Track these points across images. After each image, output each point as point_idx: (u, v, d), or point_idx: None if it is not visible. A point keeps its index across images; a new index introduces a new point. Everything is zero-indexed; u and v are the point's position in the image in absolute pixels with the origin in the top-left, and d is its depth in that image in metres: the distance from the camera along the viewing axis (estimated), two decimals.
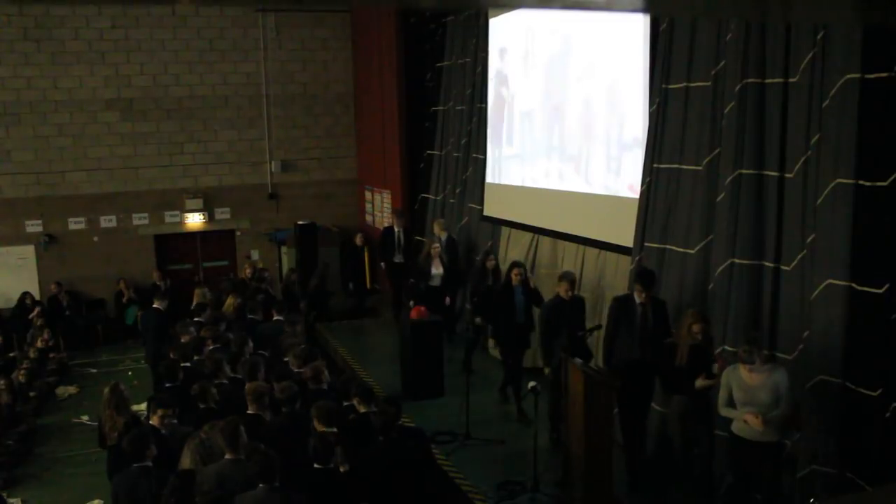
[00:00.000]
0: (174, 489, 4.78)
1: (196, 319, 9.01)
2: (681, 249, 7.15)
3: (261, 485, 4.56)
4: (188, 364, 7.24)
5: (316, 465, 4.98)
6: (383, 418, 5.43)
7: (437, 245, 10.64)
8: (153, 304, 9.52)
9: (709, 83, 6.85)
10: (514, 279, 8.11)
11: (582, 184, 8.97)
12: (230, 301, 9.91)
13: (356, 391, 6.12)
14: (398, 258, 12.01)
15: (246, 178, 14.95)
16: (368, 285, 14.32)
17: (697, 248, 6.94)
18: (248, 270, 12.27)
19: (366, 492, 5.08)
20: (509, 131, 10.75)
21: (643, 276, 6.75)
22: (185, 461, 5.21)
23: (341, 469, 5.11)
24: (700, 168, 6.96)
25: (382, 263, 12.29)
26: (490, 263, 9.53)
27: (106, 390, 6.42)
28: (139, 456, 5.09)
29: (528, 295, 8.21)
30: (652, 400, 6.91)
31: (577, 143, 9.13)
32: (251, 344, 7.65)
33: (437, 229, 11.36)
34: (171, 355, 7.40)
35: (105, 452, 6.18)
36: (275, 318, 8.89)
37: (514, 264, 8.36)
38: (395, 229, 12.02)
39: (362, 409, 5.94)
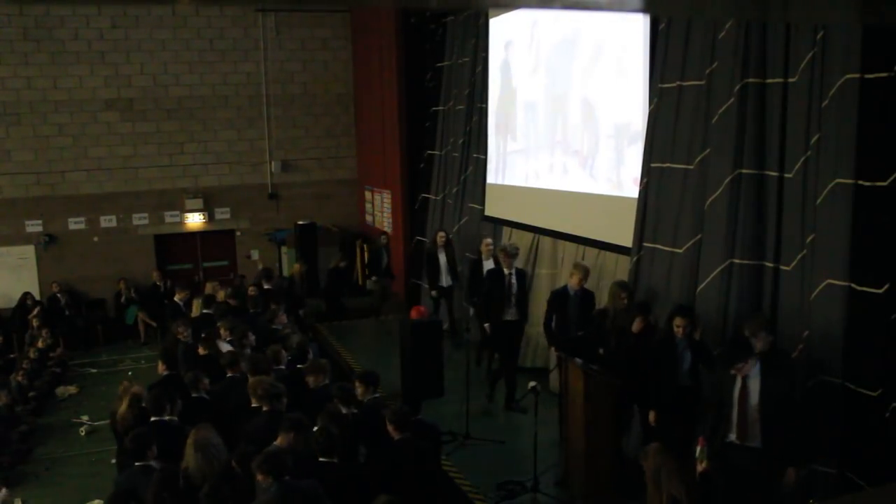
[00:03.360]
0: (163, 484, 4.79)
1: (205, 312, 9.24)
2: (681, 250, 7.14)
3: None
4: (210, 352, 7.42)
5: (321, 458, 5.01)
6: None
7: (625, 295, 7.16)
8: (174, 296, 10.44)
9: (703, 82, 6.86)
10: (678, 331, 6.21)
11: (583, 183, 8.97)
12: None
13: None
14: (511, 315, 8.45)
15: (246, 178, 14.96)
16: (366, 285, 14.36)
17: (685, 247, 6.94)
18: (299, 268, 12.19)
19: (372, 488, 5.09)
20: (511, 129, 10.75)
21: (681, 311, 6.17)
22: (196, 462, 5.07)
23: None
24: (692, 167, 6.96)
25: (486, 326, 8.67)
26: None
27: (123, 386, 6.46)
28: (141, 455, 5.12)
29: (696, 351, 6.27)
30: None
31: (579, 141, 9.13)
32: (251, 337, 7.68)
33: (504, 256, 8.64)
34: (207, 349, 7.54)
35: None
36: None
37: (677, 311, 6.33)
38: (505, 272, 8.49)
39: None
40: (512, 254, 8.55)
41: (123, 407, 6.09)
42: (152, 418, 5.77)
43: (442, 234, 10.95)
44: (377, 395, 6.34)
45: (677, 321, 6.20)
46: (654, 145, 7.49)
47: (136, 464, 5.12)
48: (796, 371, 5.61)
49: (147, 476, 5.02)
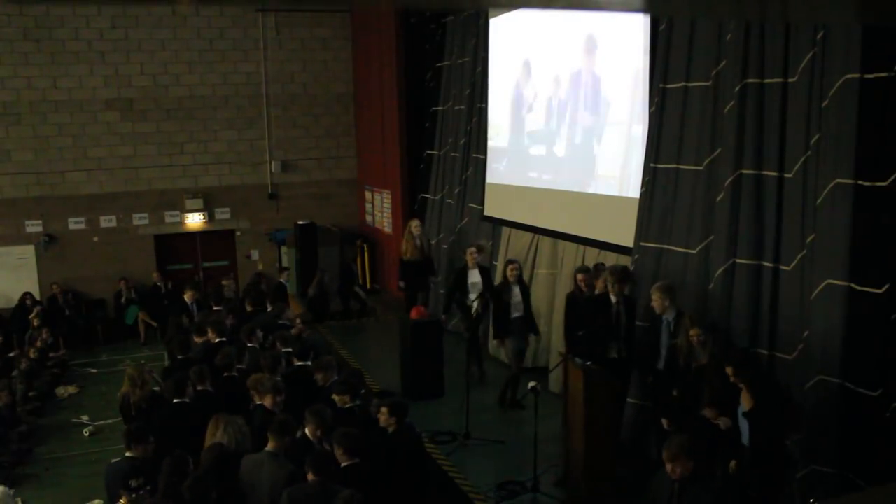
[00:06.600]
0: (174, 469, 4.82)
1: (216, 308, 9.54)
2: (681, 250, 7.13)
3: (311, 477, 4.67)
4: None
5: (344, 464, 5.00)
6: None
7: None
8: (183, 295, 10.62)
9: (708, 83, 6.85)
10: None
11: (583, 183, 8.97)
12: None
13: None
14: (616, 352, 7.07)
15: (246, 178, 14.95)
16: (368, 286, 14.37)
17: (699, 248, 6.93)
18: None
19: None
20: (511, 129, 10.74)
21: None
22: (219, 437, 5.20)
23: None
24: (700, 168, 6.95)
25: (582, 360, 6.55)
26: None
27: (129, 369, 6.76)
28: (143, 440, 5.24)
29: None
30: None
31: (579, 141, 9.13)
32: (259, 333, 7.93)
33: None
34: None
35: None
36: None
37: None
38: (612, 300, 7.01)
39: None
40: (622, 278, 6.94)
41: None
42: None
43: (605, 279, 7.33)
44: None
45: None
46: (659, 147, 7.47)
47: (126, 454, 5.21)
48: None
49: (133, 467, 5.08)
